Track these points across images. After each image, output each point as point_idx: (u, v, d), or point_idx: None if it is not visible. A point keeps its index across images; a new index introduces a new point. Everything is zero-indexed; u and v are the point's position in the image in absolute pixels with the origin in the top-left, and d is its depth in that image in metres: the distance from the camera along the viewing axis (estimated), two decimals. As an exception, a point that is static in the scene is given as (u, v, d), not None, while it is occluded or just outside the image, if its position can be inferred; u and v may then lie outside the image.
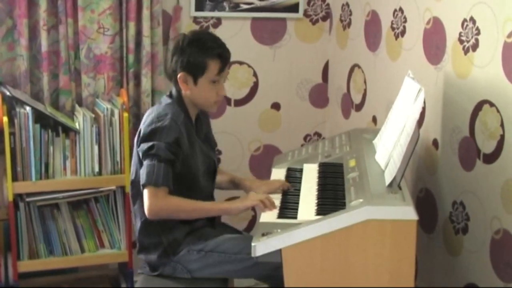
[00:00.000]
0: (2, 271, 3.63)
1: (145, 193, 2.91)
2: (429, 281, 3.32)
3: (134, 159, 3.09)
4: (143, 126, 3.01)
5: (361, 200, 2.58)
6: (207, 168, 3.14)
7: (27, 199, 3.59)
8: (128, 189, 3.52)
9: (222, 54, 3.00)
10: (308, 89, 4.38)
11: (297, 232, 2.51)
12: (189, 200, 2.96)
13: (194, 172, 3.05)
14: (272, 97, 4.33)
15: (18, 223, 3.58)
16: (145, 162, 2.92)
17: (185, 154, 2.98)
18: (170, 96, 3.10)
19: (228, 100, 4.23)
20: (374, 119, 3.81)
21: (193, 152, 3.04)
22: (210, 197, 3.21)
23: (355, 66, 4.03)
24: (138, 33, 3.88)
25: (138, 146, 2.99)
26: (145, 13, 3.82)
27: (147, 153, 2.92)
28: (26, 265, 3.63)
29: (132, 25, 3.84)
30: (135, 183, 3.08)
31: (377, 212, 2.48)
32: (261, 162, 4.29)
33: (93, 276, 4.00)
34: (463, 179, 3.02)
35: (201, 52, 2.96)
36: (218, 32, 4.02)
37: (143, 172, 2.91)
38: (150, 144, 2.92)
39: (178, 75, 3.00)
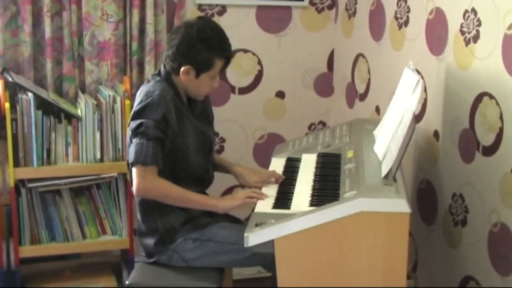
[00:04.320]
0: (4, 256, 3.64)
1: (134, 172, 2.92)
2: (428, 272, 3.31)
3: (127, 141, 3.09)
4: (135, 105, 3.03)
5: (354, 191, 2.57)
6: (201, 145, 3.14)
7: (29, 185, 3.60)
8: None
9: (228, 55, 3.06)
10: (313, 77, 4.36)
11: (290, 223, 2.51)
12: (179, 188, 2.97)
13: (184, 148, 3.05)
14: (276, 85, 4.32)
15: (20, 209, 3.60)
16: (134, 141, 2.93)
17: (174, 130, 2.99)
18: (159, 74, 3.11)
19: (232, 88, 4.23)
20: (377, 109, 3.79)
21: (183, 128, 3.04)
22: (206, 174, 3.20)
23: (360, 55, 4.01)
24: (142, 20, 3.87)
25: (129, 123, 3.01)
26: (149, 0, 3.81)
27: (135, 132, 2.94)
28: (28, 251, 3.65)
29: (136, 12, 3.83)
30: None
31: (370, 204, 2.47)
32: (265, 150, 4.27)
33: (95, 263, 4.01)
34: (463, 171, 3.00)
35: (210, 51, 3.00)
36: (223, 20, 4.03)
37: (131, 151, 2.92)
38: (138, 122, 2.93)
39: (183, 68, 3.01)
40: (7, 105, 3.47)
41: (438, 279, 3.23)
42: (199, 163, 3.13)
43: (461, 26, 2.96)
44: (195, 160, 3.10)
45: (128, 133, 3.02)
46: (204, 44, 2.99)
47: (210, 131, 3.24)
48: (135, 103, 3.03)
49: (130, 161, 2.93)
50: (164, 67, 3.10)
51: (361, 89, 4.01)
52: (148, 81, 3.11)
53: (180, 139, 3.02)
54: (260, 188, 3.05)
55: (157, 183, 2.92)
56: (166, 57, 3.08)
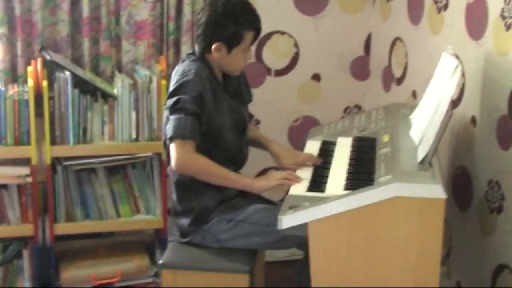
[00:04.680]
0: (40, 233, 3.68)
1: (172, 146, 2.91)
2: (462, 259, 3.28)
3: (164, 120, 3.10)
4: (170, 86, 3.04)
5: (389, 176, 2.55)
6: (236, 124, 3.14)
7: (65, 163, 3.64)
8: (164, 156, 3.58)
9: (257, 27, 3.05)
10: (350, 61, 4.33)
11: (324, 207, 2.51)
12: (217, 165, 2.97)
13: (219, 127, 3.05)
14: (312, 68, 4.29)
15: (55, 186, 3.64)
16: (172, 117, 2.94)
17: (209, 109, 2.99)
18: (193, 53, 3.12)
19: (268, 70, 4.21)
20: (414, 94, 3.76)
21: (219, 107, 3.04)
22: (240, 153, 3.20)
23: (397, 39, 3.97)
24: (179, 0, 3.87)
25: (165, 106, 3.01)
26: (187, -20, 3.82)
27: (173, 108, 2.94)
28: (63, 228, 3.69)
29: (173, -7, 3.84)
30: (166, 143, 3.10)
31: (405, 189, 2.46)
32: (300, 133, 4.26)
33: (129, 241, 4.04)
34: (500, 158, 2.96)
35: (239, 25, 2.99)
36: (260, 1, 4.00)
37: (169, 126, 2.92)
38: (175, 98, 2.94)
39: (214, 45, 3.01)
40: (44, 83, 3.49)
41: (471, 266, 3.21)
42: (233, 142, 3.13)
43: (502, 10, 2.91)
44: (230, 139, 3.10)
45: (165, 112, 3.03)
46: (231, 19, 2.98)
47: (244, 110, 3.24)
48: (171, 83, 3.04)
49: (168, 136, 2.92)
50: (198, 47, 3.10)
51: (398, 73, 3.98)
52: (183, 61, 3.12)
53: (216, 117, 3.03)
54: (295, 170, 3.04)
55: (196, 157, 2.92)
56: (197, 37, 3.09)
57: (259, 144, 3.36)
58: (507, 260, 2.93)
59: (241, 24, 2.99)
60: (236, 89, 3.22)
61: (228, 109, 3.09)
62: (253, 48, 3.14)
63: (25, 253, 3.74)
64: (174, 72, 3.11)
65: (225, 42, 3.01)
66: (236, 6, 3.02)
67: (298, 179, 2.91)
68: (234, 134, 3.13)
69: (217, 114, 3.04)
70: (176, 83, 3.00)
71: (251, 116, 3.47)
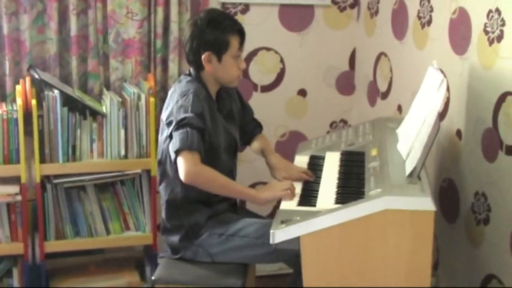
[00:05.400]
0: (30, 251, 3.68)
1: (180, 159, 2.94)
2: (450, 271, 3.32)
3: (160, 139, 3.13)
4: (167, 107, 3.07)
5: (380, 189, 2.60)
6: (228, 144, 3.18)
7: (54, 181, 3.65)
8: (153, 173, 3.61)
9: (240, 30, 3.11)
10: (335, 76, 4.38)
11: (316, 220, 2.54)
12: (223, 176, 3.01)
13: (215, 147, 3.09)
14: (298, 83, 4.34)
15: (45, 204, 3.65)
16: (176, 132, 2.96)
17: (208, 128, 3.03)
18: (189, 74, 3.16)
19: (254, 86, 4.25)
20: (399, 108, 3.81)
21: (215, 127, 3.09)
22: (230, 174, 3.23)
23: (382, 54, 4.02)
24: (166, 18, 3.91)
25: (167, 124, 3.03)
26: (174, -2, 3.86)
27: (178, 125, 2.96)
28: (53, 246, 3.70)
29: (160, 10, 3.86)
30: (160, 162, 3.14)
31: (396, 202, 2.50)
32: (287, 148, 4.29)
33: (119, 258, 4.05)
34: (486, 170, 3.01)
35: (220, 30, 3.05)
36: (246, 18, 4.07)
37: (175, 140, 2.94)
38: (180, 117, 2.97)
39: (203, 56, 3.06)
40: (33, 101, 3.51)
41: (460, 277, 3.24)
42: (226, 163, 3.18)
43: (485, 25, 2.97)
44: (224, 160, 3.15)
45: (164, 133, 3.06)
46: (212, 26, 3.05)
47: (236, 132, 3.28)
48: (170, 102, 3.07)
49: (175, 149, 2.93)
50: (191, 67, 3.15)
51: (383, 87, 4.03)
52: (180, 81, 3.16)
53: (213, 137, 3.07)
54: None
55: (203, 168, 2.95)
56: (187, 57, 3.14)
57: (262, 154, 3.40)
58: (495, 271, 2.97)
59: (223, 29, 3.06)
60: (229, 111, 3.26)
61: (223, 130, 3.14)
62: (244, 55, 3.17)
63: (15, 272, 3.74)
64: (171, 91, 3.16)
65: (213, 50, 3.06)
66: (215, 15, 3.11)
67: (294, 195, 2.94)
68: (227, 156, 3.18)
69: (214, 135, 3.08)
70: (176, 103, 3.03)
71: (260, 125, 3.52)
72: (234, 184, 3.06)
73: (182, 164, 2.93)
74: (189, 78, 3.14)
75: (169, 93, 3.15)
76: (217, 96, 3.20)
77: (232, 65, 3.11)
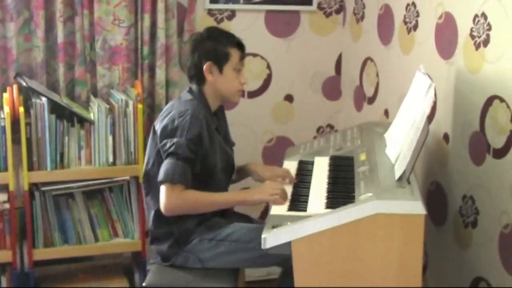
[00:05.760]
0: (18, 258, 3.67)
1: (162, 189, 2.97)
2: (438, 274, 3.35)
3: (149, 149, 3.15)
4: (163, 122, 3.07)
5: (370, 194, 2.61)
6: (225, 165, 3.20)
7: (43, 188, 3.65)
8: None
9: (240, 43, 3.16)
10: (321, 81, 4.40)
11: (307, 225, 2.55)
12: (205, 193, 3.01)
13: (212, 167, 3.11)
14: (285, 89, 4.36)
15: (33, 212, 3.64)
16: (165, 160, 2.99)
17: (206, 148, 3.04)
18: (191, 92, 3.17)
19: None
20: (386, 112, 3.83)
21: (213, 147, 3.10)
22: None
23: (368, 59, 4.05)
24: (153, 25, 3.91)
25: (160, 142, 3.05)
26: (160, 5, 3.86)
27: (167, 151, 2.99)
28: (41, 253, 3.69)
29: (147, 17, 3.87)
30: (149, 173, 3.14)
31: (386, 206, 2.51)
32: (274, 153, 4.32)
33: (108, 265, 4.05)
34: (473, 173, 3.04)
35: (222, 42, 3.11)
36: (233, 25, 4.08)
37: (162, 170, 2.97)
38: (170, 142, 2.99)
39: (204, 66, 3.09)
40: (21, 109, 3.50)
41: (448, 280, 3.27)
42: (222, 183, 3.20)
43: (471, 30, 3.00)
44: (220, 180, 3.17)
45: (152, 143, 3.12)
46: (213, 39, 3.12)
47: (232, 152, 3.30)
48: (164, 121, 3.07)
49: (159, 179, 2.98)
50: (192, 82, 3.19)
51: (369, 92, 4.05)
52: (179, 98, 3.17)
53: (211, 157, 3.08)
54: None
55: (183, 198, 2.97)
56: (188, 74, 3.17)
57: (240, 171, 3.40)
58: (483, 273, 3.00)
59: (223, 41, 3.11)
60: (226, 133, 3.30)
61: (220, 149, 3.16)
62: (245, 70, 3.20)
63: (4, 280, 3.74)
64: (168, 107, 3.17)
65: (214, 60, 3.09)
66: (215, 31, 3.18)
67: (285, 200, 2.94)
68: (223, 176, 3.20)
69: (212, 154, 3.09)
70: (172, 122, 3.03)
71: None
72: (220, 196, 3.06)
73: (162, 197, 2.97)
74: (190, 96, 3.15)
75: (165, 109, 3.16)
76: (216, 116, 3.22)
77: (233, 77, 3.14)
